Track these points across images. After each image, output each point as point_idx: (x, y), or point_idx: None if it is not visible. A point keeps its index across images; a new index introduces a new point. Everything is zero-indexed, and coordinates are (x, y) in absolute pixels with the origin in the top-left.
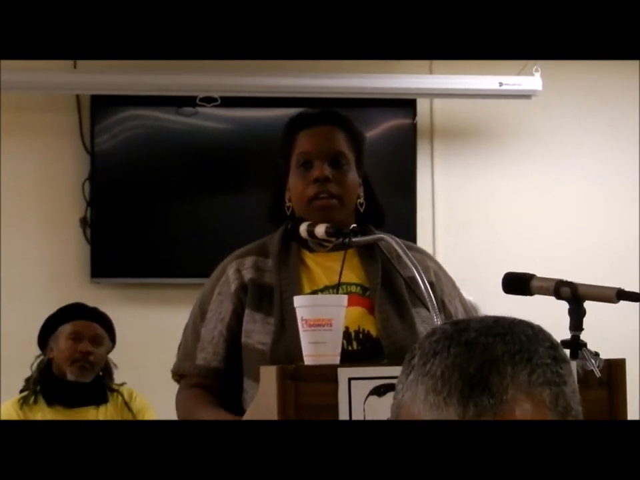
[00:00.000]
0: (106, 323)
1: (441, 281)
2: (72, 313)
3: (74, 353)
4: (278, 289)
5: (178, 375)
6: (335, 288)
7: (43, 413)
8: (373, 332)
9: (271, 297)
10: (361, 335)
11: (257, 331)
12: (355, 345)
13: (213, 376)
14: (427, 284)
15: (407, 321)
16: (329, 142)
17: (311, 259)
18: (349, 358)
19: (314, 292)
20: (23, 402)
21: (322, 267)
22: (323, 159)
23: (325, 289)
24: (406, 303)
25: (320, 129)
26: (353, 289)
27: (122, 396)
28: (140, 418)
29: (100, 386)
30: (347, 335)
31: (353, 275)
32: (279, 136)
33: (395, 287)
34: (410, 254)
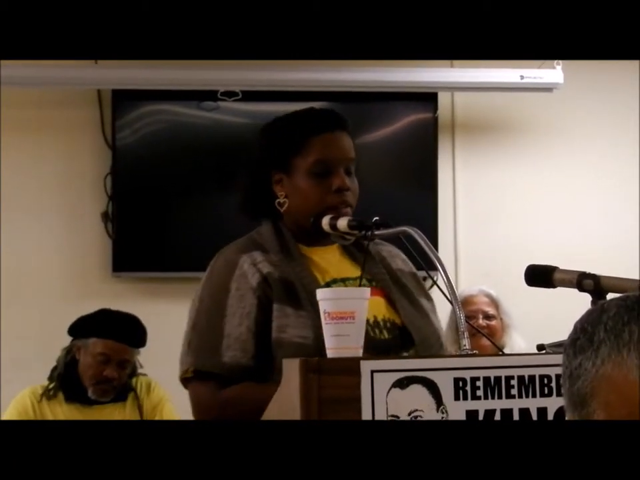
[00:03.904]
0: (138, 340)
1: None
2: (107, 328)
3: (99, 375)
4: (299, 282)
5: (196, 373)
6: (344, 281)
7: (61, 407)
8: (397, 320)
9: (293, 290)
10: (388, 324)
11: (292, 325)
12: (386, 333)
13: (243, 374)
14: (450, 279)
15: (420, 310)
16: (345, 150)
17: (311, 253)
18: (382, 347)
19: (327, 284)
20: (43, 394)
21: (325, 260)
22: (341, 167)
23: (333, 282)
24: (412, 292)
25: (334, 135)
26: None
27: (135, 392)
28: (158, 410)
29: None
30: (376, 323)
31: (352, 268)
32: (276, 130)
33: (396, 277)
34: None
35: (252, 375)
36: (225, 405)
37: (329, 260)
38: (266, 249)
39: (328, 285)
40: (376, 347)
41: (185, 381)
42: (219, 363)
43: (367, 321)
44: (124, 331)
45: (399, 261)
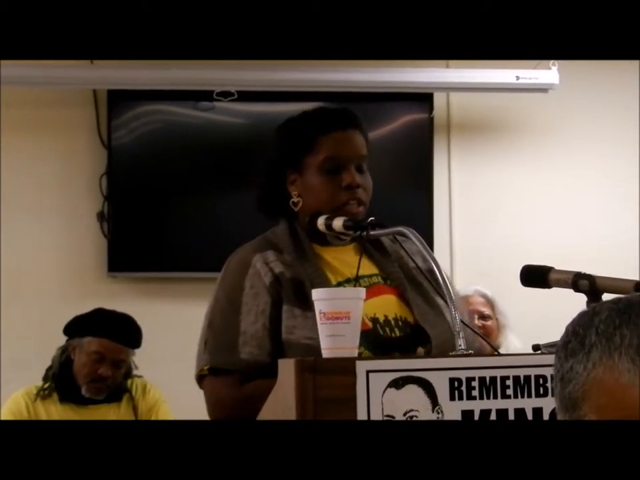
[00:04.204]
0: (133, 340)
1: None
2: (102, 327)
3: (93, 373)
4: (309, 282)
5: (212, 370)
6: (357, 280)
7: (55, 406)
8: (410, 318)
9: (302, 291)
10: (400, 322)
11: (300, 327)
12: (397, 332)
13: (259, 371)
14: (445, 276)
15: (434, 308)
16: (355, 147)
17: (325, 253)
18: (391, 345)
19: (339, 284)
20: (37, 394)
21: (338, 260)
22: (351, 164)
23: (347, 281)
24: (427, 290)
25: (345, 133)
26: (375, 279)
27: (130, 393)
28: (154, 412)
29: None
30: (387, 322)
31: (369, 266)
32: (288, 130)
33: (411, 276)
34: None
35: (268, 371)
36: (245, 400)
37: (344, 259)
38: (280, 249)
39: (340, 284)
40: (385, 345)
41: (201, 378)
42: (237, 360)
43: (377, 319)
44: (119, 331)
45: (419, 258)
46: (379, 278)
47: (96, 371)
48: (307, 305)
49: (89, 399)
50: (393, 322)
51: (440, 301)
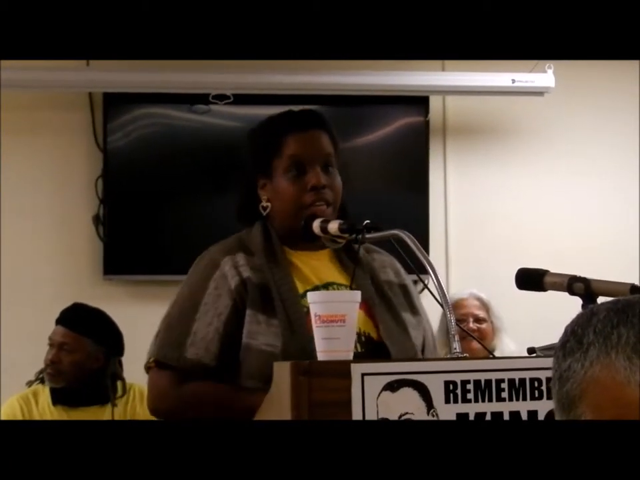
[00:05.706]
0: (84, 325)
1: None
2: (60, 316)
3: (46, 361)
4: (275, 289)
5: (157, 363)
6: (325, 287)
7: (49, 409)
8: (374, 334)
9: (269, 297)
10: (363, 338)
11: (262, 333)
12: (359, 347)
13: (203, 372)
14: (441, 283)
15: (400, 325)
16: (320, 147)
17: (296, 258)
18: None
19: (306, 291)
20: (31, 397)
21: (309, 266)
22: (316, 164)
23: (315, 289)
24: (396, 307)
25: (310, 133)
26: (344, 290)
27: (128, 399)
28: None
29: (99, 386)
30: None
31: (339, 276)
32: (256, 135)
33: (382, 290)
34: (423, 255)
35: (212, 375)
36: (183, 398)
37: (314, 265)
38: (251, 251)
39: (306, 292)
40: None
41: (148, 369)
42: (181, 357)
43: None
44: (68, 317)
45: (391, 272)
46: (348, 289)
47: (47, 357)
48: (271, 311)
49: (80, 400)
50: (356, 337)
51: (408, 317)
